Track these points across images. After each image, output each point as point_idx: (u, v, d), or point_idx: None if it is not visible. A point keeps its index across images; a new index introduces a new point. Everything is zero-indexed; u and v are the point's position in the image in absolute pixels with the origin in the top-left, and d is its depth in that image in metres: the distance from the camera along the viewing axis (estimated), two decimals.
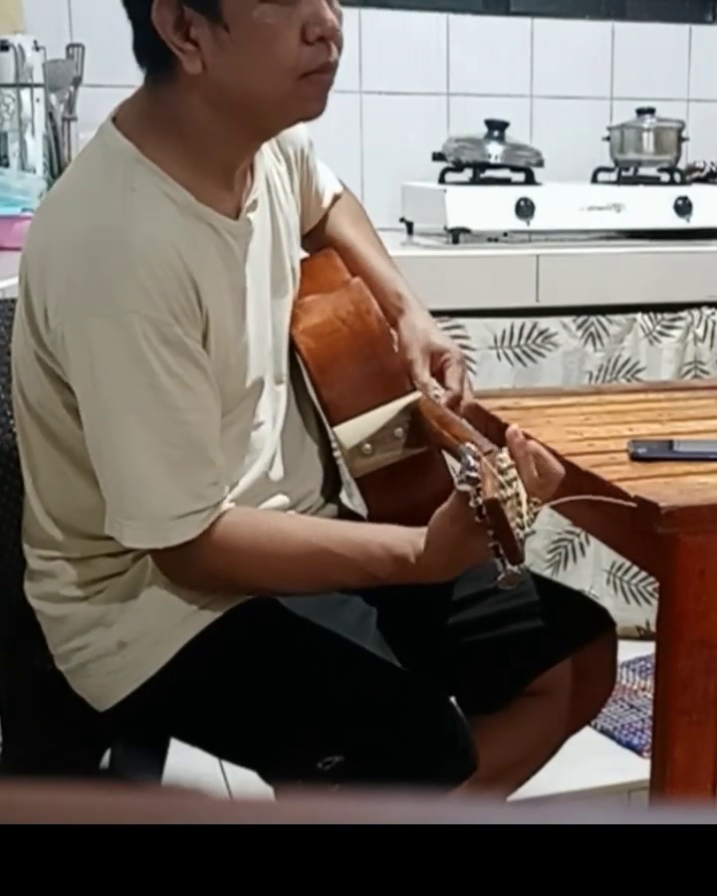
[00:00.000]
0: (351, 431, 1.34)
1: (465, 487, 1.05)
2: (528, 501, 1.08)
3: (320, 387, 1.37)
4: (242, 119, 1.22)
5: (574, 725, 1.54)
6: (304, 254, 1.48)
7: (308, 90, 1.20)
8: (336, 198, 1.55)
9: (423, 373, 1.40)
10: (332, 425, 1.36)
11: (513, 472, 1.08)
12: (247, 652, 1.31)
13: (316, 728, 1.29)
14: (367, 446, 1.34)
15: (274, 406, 1.36)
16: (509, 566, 1.05)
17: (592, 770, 2.09)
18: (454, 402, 1.40)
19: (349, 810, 0.31)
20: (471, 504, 1.04)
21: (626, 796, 2.05)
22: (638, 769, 1.97)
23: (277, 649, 1.31)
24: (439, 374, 1.42)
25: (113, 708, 1.32)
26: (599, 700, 1.57)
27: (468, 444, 1.10)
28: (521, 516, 1.06)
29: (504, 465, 1.08)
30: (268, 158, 1.37)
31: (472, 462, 1.06)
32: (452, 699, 1.44)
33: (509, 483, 1.07)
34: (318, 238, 1.52)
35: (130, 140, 1.22)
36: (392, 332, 1.44)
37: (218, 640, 1.30)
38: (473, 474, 1.05)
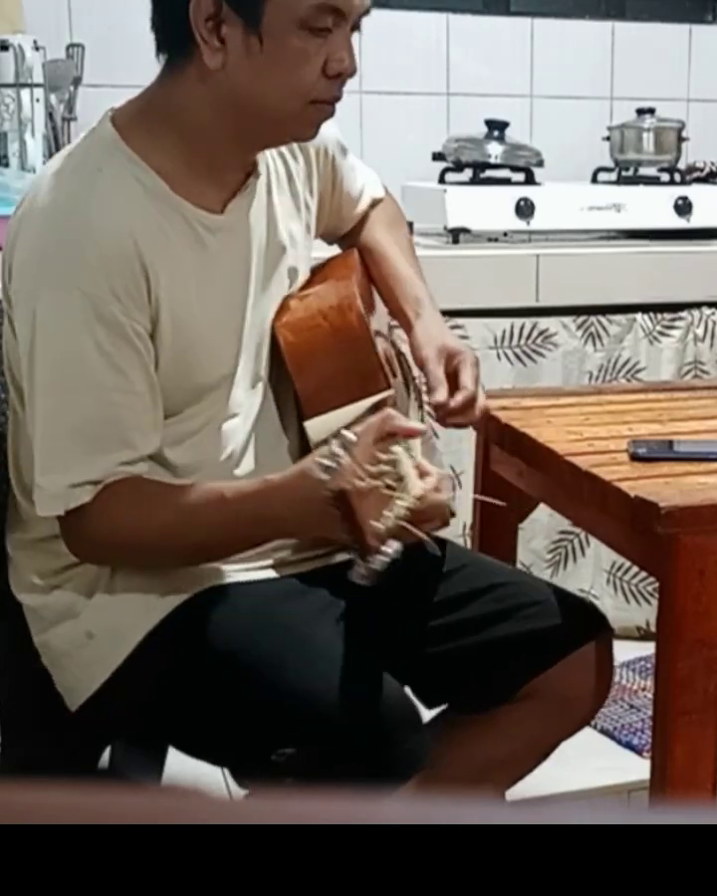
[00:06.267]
0: (320, 426, 1.34)
1: (318, 473, 1.04)
2: (408, 501, 1.04)
3: (295, 381, 1.37)
4: (240, 124, 1.25)
5: (565, 730, 1.50)
6: (325, 253, 1.51)
7: (312, 115, 1.26)
8: (375, 203, 1.58)
9: (438, 370, 1.39)
10: (304, 420, 1.36)
11: (398, 469, 1.06)
12: (202, 642, 1.30)
13: (267, 719, 1.27)
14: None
15: (250, 401, 1.37)
16: (363, 561, 1.02)
17: (591, 770, 2.08)
18: (469, 403, 1.39)
19: (348, 811, 0.31)
20: (323, 491, 1.03)
21: (626, 797, 2.05)
22: (638, 769, 1.97)
23: (229, 639, 1.29)
24: (453, 375, 1.41)
25: (87, 704, 1.32)
26: (592, 705, 1.51)
27: (347, 432, 1.09)
28: (389, 513, 1.02)
29: (387, 457, 1.06)
30: (276, 160, 1.39)
31: (337, 450, 1.03)
32: (428, 696, 1.43)
33: (381, 475, 1.04)
34: (352, 240, 1.55)
35: (117, 129, 1.26)
36: (405, 334, 1.46)
37: (176, 630, 1.30)
38: (328, 462, 1.03)
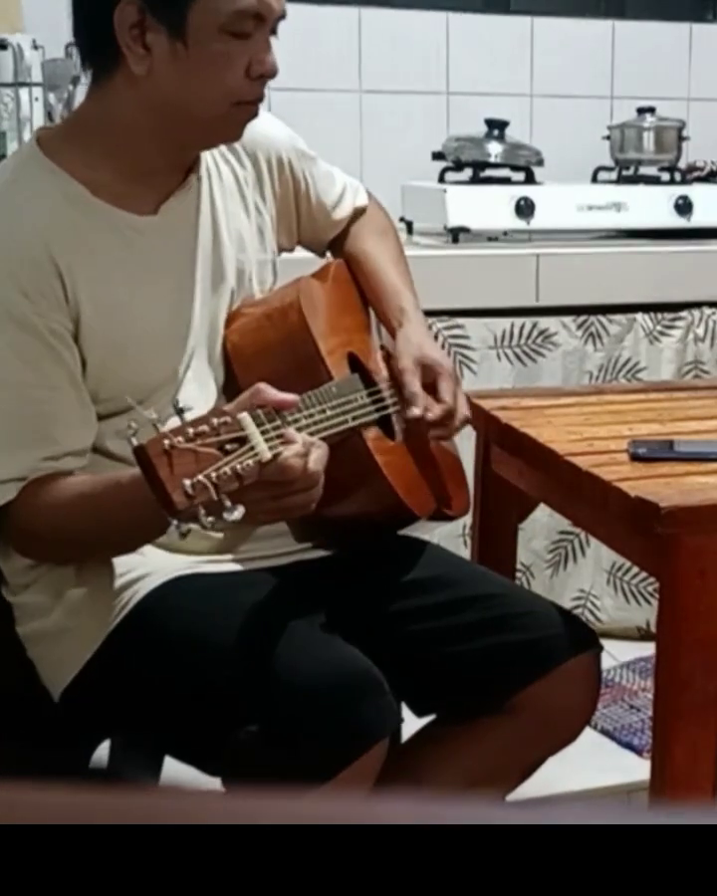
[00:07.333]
0: None
1: (128, 429, 1.02)
2: (244, 463, 1.03)
3: (239, 381, 1.37)
4: (169, 129, 1.29)
5: (546, 748, 1.47)
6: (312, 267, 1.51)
7: (238, 116, 1.30)
8: (359, 212, 1.59)
9: (414, 383, 1.40)
10: None
11: (243, 434, 1.04)
12: (162, 629, 1.31)
13: (227, 696, 1.26)
14: None
15: (204, 399, 1.37)
16: (170, 518, 1.01)
17: (592, 770, 2.08)
18: (448, 416, 1.40)
19: (349, 811, 0.31)
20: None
21: (626, 797, 2.05)
22: (638, 769, 1.97)
23: (186, 622, 1.30)
24: (432, 387, 1.41)
25: (66, 697, 1.33)
26: (576, 723, 1.47)
27: (181, 402, 1.07)
28: (212, 472, 1.00)
29: (218, 421, 1.03)
30: (220, 164, 1.41)
31: (150, 413, 1.02)
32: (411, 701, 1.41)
33: (208, 436, 1.02)
34: (339, 250, 1.57)
35: (38, 140, 1.32)
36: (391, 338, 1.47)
37: (140, 619, 1.31)
38: (135, 424, 1.01)
